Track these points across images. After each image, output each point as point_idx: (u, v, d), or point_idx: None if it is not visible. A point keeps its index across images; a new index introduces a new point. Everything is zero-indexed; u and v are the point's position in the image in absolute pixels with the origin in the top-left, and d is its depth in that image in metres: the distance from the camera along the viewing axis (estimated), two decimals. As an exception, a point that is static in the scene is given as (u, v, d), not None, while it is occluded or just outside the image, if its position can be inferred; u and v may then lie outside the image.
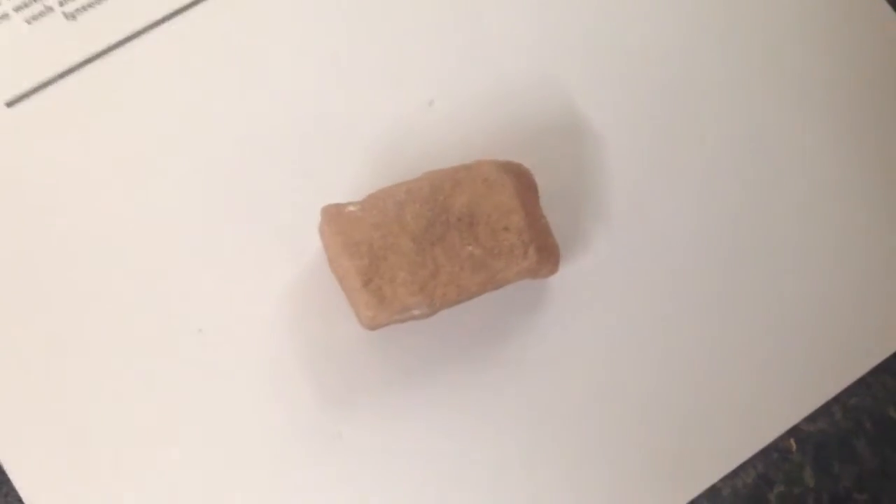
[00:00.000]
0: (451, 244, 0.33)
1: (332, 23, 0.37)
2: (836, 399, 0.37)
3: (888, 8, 0.40)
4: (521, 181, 0.34)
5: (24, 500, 0.33)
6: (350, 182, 0.36)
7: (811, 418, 0.36)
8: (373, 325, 0.33)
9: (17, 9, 0.36)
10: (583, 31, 0.38)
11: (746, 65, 0.39)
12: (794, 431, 0.36)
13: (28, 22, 0.36)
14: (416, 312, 0.33)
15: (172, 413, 0.34)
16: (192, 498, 0.33)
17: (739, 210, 0.38)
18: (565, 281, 0.36)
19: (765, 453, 0.36)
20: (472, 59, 0.38)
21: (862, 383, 0.37)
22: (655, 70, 0.39)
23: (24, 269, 0.34)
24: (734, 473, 0.36)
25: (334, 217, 0.33)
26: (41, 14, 0.36)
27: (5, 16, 0.36)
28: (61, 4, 0.36)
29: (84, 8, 0.36)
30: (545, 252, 0.34)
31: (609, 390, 0.36)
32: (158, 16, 0.37)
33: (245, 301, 0.35)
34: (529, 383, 0.35)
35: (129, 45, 0.36)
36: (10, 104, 0.35)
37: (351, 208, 0.33)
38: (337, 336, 0.35)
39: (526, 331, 0.36)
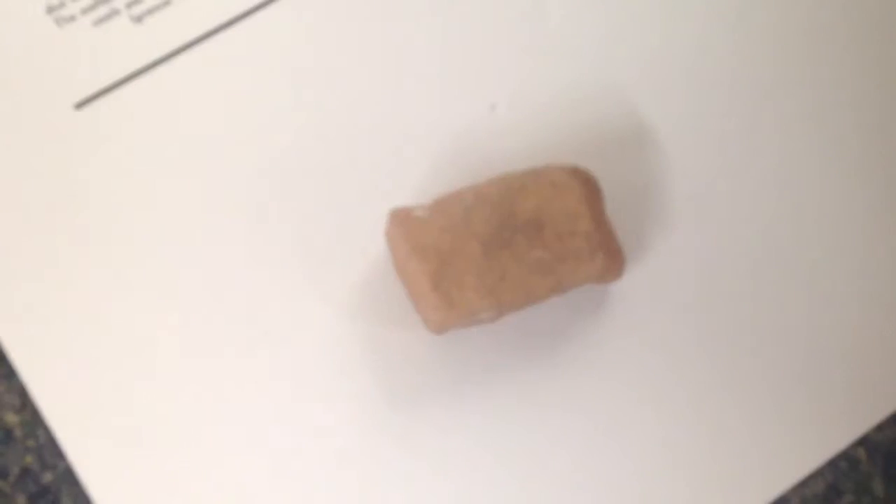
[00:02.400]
0: (519, 248, 0.33)
1: (395, 26, 0.37)
2: (905, 408, 0.36)
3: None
4: (588, 186, 0.34)
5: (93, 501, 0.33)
6: (412, 186, 0.36)
7: (881, 427, 0.36)
8: (440, 329, 0.33)
9: (84, 11, 0.36)
10: (648, 35, 0.38)
11: (815, 73, 0.39)
12: (863, 441, 0.36)
13: (95, 24, 0.36)
14: (483, 316, 0.33)
15: (239, 419, 0.34)
16: (262, 502, 0.33)
17: (807, 216, 0.37)
18: (628, 286, 0.36)
19: (833, 463, 0.35)
20: (534, 63, 0.38)
21: (931, 393, 0.36)
22: (721, 76, 0.38)
23: (92, 273, 0.34)
24: (803, 483, 0.35)
25: (403, 221, 0.33)
26: (108, 17, 0.36)
27: (72, 18, 0.36)
28: (128, 7, 0.36)
29: (151, 11, 0.36)
30: (611, 257, 0.34)
31: (672, 396, 0.35)
32: (224, 19, 0.37)
33: (311, 305, 0.35)
34: (592, 387, 0.35)
35: (195, 48, 0.36)
36: (78, 106, 0.36)
37: (419, 212, 0.33)
38: (402, 340, 0.35)
39: (589, 335, 0.36)
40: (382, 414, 0.34)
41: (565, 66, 0.38)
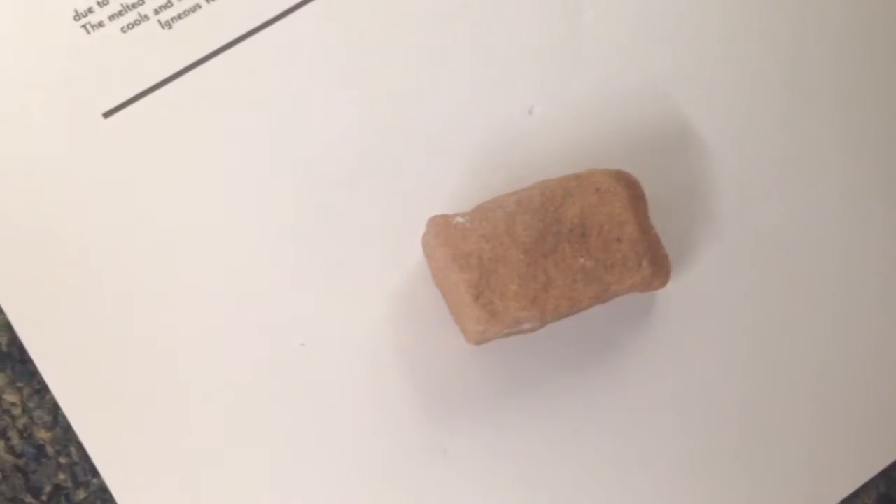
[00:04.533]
0: (563, 256, 0.32)
1: (428, 30, 0.37)
2: (959, 416, 0.35)
3: None
4: (632, 191, 0.33)
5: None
6: (451, 193, 0.35)
7: (935, 437, 0.35)
8: (481, 341, 0.32)
9: (112, 17, 0.36)
10: (689, 33, 0.37)
11: (861, 76, 0.38)
12: (917, 450, 0.35)
13: (123, 31, 0.35)
14: (525, 326, 0.32)
15: (275, 429, 0.33)
16: (297, 518, 0.32)
17: (857, 221, 0.36)
18: (673, 293, 0.35)
19: (886, 473, 0.34)
20: (571, 64, 0.37)
21: None
22: (763, 76, 0.37)
23: (121, 280, 0.34)
24: (855, 494, 0.34)
25: (442, 228, 0.32)
26: (136, 23, 0.36)
27: (100, 24, 0.35)
28: (157, 13, 0.36)
29: (180, 16, 0.36)
30: (657, 264, 0.33)
31: (719, 406, 0.34)
32: (255, 24, 0.36)
33: (346, 315, 0.34)
34: (636, 398, 0.34)
35: (225, 54, 0.36)
36: (106, 115, 0.35)
37: (459, 219, 0.32)
38: (440, 349, 0.34)
39: (633, 344, 0.35)
40: (419, 426, 0.33)
41: (603, 67, 0.37)
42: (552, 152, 0.36)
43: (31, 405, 0.33)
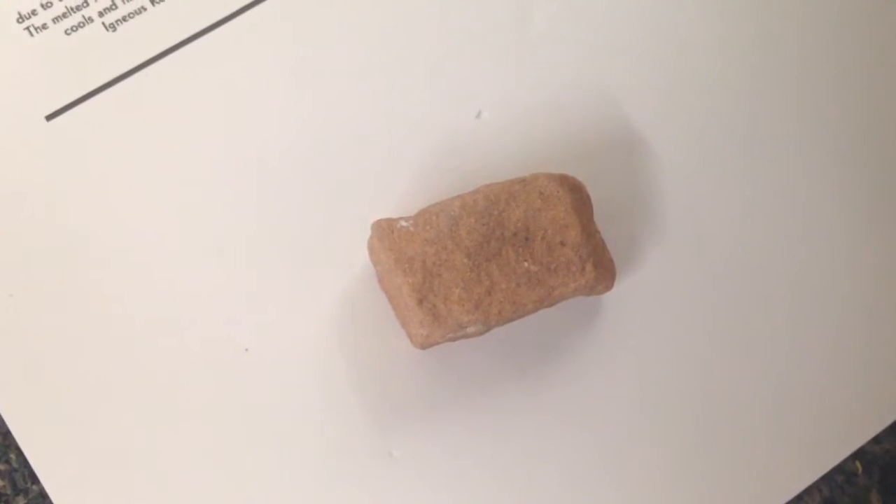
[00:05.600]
0: (507, 260, 0.32)
1: (376, 34, 0.36)
2: (902, 419, 0.35)
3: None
4: (577, 195, 0.33)
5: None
6: (397, 196, 0.35)
7: (877, 439, 0.35)
8: (426, 345, 0.32)
9: (56, 20, 0.35)
10: (635, 40, 0.37)
11: (814, 80, 0.38)
12: (859, 454, 0.35)
13: (67, 33, 0.35)
14: (470, 330, 0.32)
15: (219, 433, 0.33)
16: (239, 524, 0.32)
17: (799, 224, 0.36)
18: (618, 296, 0.35)
19: (829, 476, 0.35)
20: (519, 69, 0.37)
21: (927, 403, 0.36)
22: (711, 81, 0.37)
23: (62, 285, 0.33)
24: (798, 498, 0.34)
25: (386, 232, 0.32)
26: (80, 25, 0.35)
27: (44, 27, 0.35)
28: (101, 15, 0.35)
29: (124, 19, 0.35)
30: (602, 268, 0.33)
31: (663, 409, 0.34)
32: (201, 26, 0.36)
33: (292, 319, 0.34)
34: (583, 401, 0.34)
35: (170, 57, 0.35)
36: (49, 117, 0.34)
37: (403, 223, 0.32)
38: (386, 353, 0.34)
39: (578, 347, 0.35)
40: (365, 430, 0.33)
41: (551, 73, 0.37)
42: (500, 157, 0.36)
43: (-31, 411, 0.33)
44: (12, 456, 0.32)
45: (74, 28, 0.35)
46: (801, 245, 0.36)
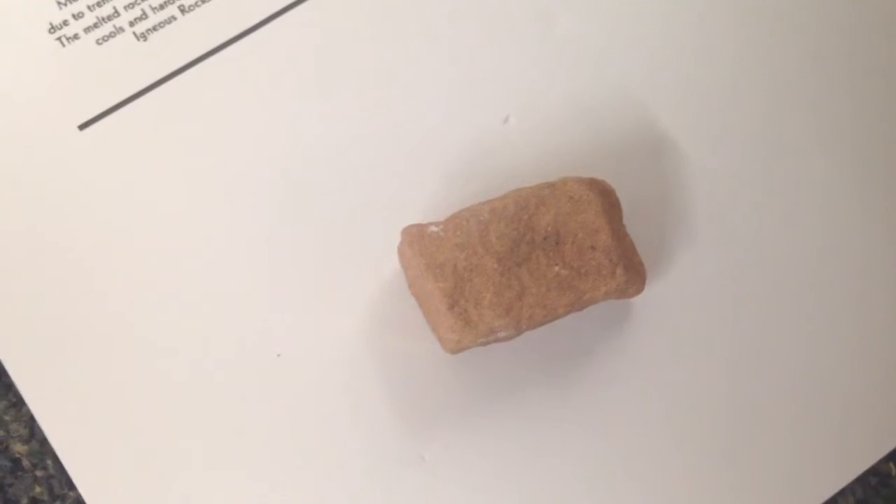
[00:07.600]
0: (537, 264, 0.32)
1: (403, 42, 0.37)
2: (935, 421, 0.35)
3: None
4: (606, 199, 0.33)
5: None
6: (426, 202, 0.35)
7: (911, 441, 0.35)
8: (457, 350, 0.32)
9: (88, 30, 0.36)
10: (663, 44, 0.37)
11: (836, 80, 0.38)
12: (893, 455, 0.35)
13: (98, 43, 0.35)
14: (501, 335, 0.32)
15: (252, 439, 0.33)
16: (274, 528, 0.32)
17: (830, 226, 0.36)
18: (648, 300, 0.35)
19: (863, 479, 0.34)
20: (547, 75, 0.37)
21: (961, 404, 0.35)
22: (737, 82, 0.37)
23: (96, 292, 0.34)
24: (832, 500, 0.34)
25: (417, 238, 0.32)
26: (111, 35, 0.36)
27: (76, 37, 0.35)
28: (132, 25, 0.36)
29: (155, 28, 0.36)
30: (632, 271, 0.33)
31: (696, 413, 0.34)
32: (230, 35, 0.36)
33: (323, 325, 0.34)
34: (614, 404, 0.34)
35: (200, 66, 0.36)
36: (81, 127, 0.35)
37: (433, 228, 0.32)
38: (417, 358, 0.34)
39: (609, 351, 0.35)
40: (397, 434, 0.33)
41: (578, 76, 0.37)
42: (528, 161, 0.36)
43: (7, 418, 0.33)
44: (49, 462, 0.33)
45: (106, 38, 0.36)
46: (833, 245, 0.36)
